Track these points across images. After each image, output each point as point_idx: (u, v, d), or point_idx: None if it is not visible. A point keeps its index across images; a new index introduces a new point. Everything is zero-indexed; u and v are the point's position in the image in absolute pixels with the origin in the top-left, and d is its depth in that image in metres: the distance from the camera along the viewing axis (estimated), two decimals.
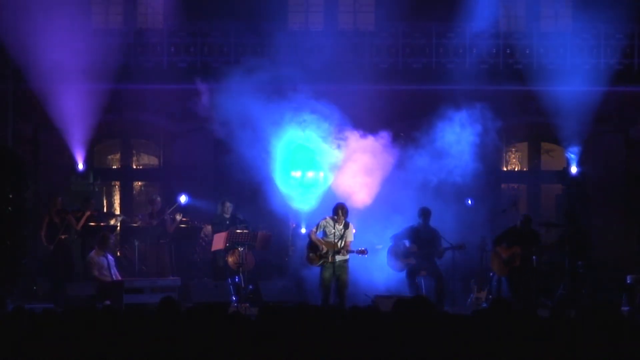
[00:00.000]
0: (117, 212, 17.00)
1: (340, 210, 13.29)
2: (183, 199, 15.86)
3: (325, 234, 13.35)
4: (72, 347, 6.70)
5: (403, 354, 6.59)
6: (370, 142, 14.64)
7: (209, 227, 15.86)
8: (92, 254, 14.37)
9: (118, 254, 15.61)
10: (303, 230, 14.02)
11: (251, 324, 6.99)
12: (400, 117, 16.71)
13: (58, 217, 15.59)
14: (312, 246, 13.47)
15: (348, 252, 13.32)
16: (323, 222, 13.39)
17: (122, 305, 13.09)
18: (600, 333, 7.05)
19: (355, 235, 13.53)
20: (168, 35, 17.34)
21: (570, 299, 14.22)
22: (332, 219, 13.35)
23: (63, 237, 15.50)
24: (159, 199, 16.01)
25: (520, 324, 7.17)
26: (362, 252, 13.40)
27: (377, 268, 14.58)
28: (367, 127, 15.16)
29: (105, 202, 18.09)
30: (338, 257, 13.23)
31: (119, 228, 15.82)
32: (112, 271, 14.21)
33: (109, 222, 15.68)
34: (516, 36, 17.97)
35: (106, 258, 14.26)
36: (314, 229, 13.47)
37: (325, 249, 13.27)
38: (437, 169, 14.83)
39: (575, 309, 9.85)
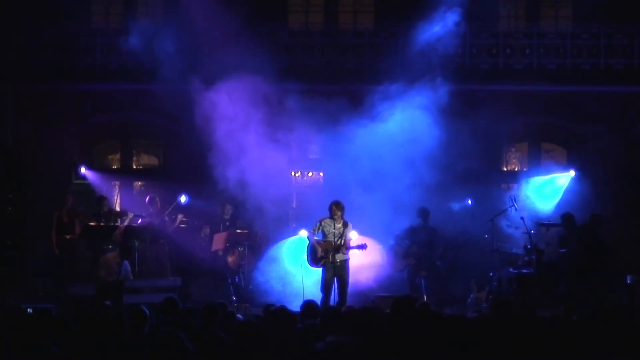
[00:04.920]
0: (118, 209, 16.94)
1: (335, 207, 13.24)
2: (183, 199, 15.86)
3: (324, 234, 13.32)
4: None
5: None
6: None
7: (208, 229, 15.86)
8: (109, 256, 14.22)
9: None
10: (303, 233, 13.95)
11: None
12: None
13: (67, 217, 15.57)
14: (312, 249, 13.44)
15: (347, 249, 13.28)
16: (321, 223, 13.34)
17: (122, 306, 13.05)
18: (602, 333, 7.06)
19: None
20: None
21: (570, 300, 14.20)
22: (330, 218, 13.31)
23: (68, 237, 15.48)
24: (158, 198, 15.97)
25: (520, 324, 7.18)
26: (362, 247, 13.36)
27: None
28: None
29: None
30: (338, 257, 13.21)
31: (124, 225, 15.68)
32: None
33: (118, 221, 15.56)
34: (516, 36, 17.98)
35: (121, 265, 14.10)
36: (312, 230, 13.43)
37: (322, 253, 13.24)
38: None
39: (576, 309, 9.82)
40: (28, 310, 8.64)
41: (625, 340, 7.11)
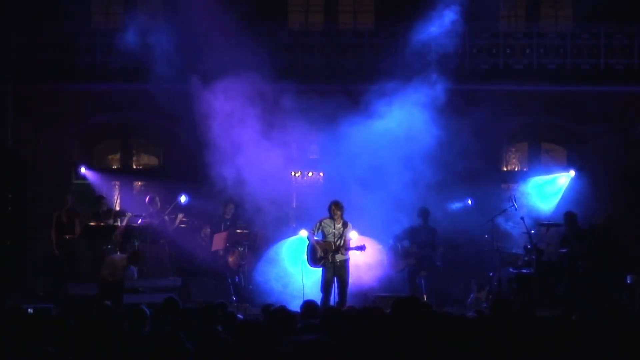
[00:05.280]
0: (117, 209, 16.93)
1: (334, 207, 13.23)
2: (183, 199, 15.85)
3: (324, 234, 13.31)
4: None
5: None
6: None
7: (208, 229, 15.85)
8: (116, 258, 14.19)
9: (119, 253, 15.57)
10: (303, 233, 13.94)
11: None
12: None
13: (67, 217, 15.57)
14: (312, 250, 13.44)
15: (347, 250, 13.27)
16: (320, 223, 13.33)
17: (122, 306, 13.03)
18: (602, 333, 7.05)
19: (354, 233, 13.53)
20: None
21: (570, 300, 14.20)
22: (330, 218, 13.30)
23: (68, 237, 15.48)
24: (158, 198, 15.97)
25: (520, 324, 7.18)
26: (361, 248, 13.36)
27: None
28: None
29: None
30: (338, 257, 13.20)
31: (123, 224, 15.65)
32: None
33: (118, 221, 15.56)
34: (516, 36, 17.98)
35: (127, 268, 14.05)
36: (312, 230, 13.42)
37: (322, 253, 13.24)
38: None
39: (576, 309, 9.83)
40: (28, 310, 8.64)
41: (625, 340, 7.11)
